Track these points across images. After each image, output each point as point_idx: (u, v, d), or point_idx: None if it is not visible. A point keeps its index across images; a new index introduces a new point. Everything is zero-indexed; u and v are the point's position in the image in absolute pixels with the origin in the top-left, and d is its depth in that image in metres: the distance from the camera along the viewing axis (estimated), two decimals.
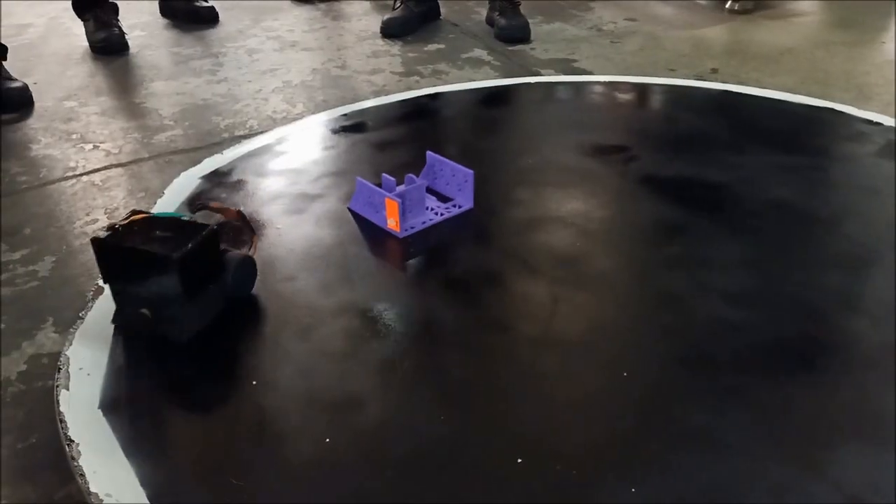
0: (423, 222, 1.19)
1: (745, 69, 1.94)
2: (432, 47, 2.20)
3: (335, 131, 1.56)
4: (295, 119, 1.71)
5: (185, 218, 0.96)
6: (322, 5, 2.58)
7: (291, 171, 1.39)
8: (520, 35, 2.20)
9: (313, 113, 1.74)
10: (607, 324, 0.97)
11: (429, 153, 1.29)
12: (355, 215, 1.22)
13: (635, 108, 1.70)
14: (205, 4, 2.43)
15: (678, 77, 1.90)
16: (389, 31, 2.27)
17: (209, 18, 2.40)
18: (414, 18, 2.31)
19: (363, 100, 1.80)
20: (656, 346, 0.92)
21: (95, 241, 0.91)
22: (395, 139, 1.52)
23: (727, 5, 2.31)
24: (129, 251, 0.89)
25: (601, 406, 0.83)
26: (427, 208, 1.23)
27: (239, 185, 1.33)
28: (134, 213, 0.96)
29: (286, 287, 1.04)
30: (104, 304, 1.00)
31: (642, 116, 1.66)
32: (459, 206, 1.24)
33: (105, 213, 1.36)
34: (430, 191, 1.28)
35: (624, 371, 0.88)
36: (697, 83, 1.75)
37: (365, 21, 2.43)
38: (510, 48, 2.17)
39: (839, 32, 2.21)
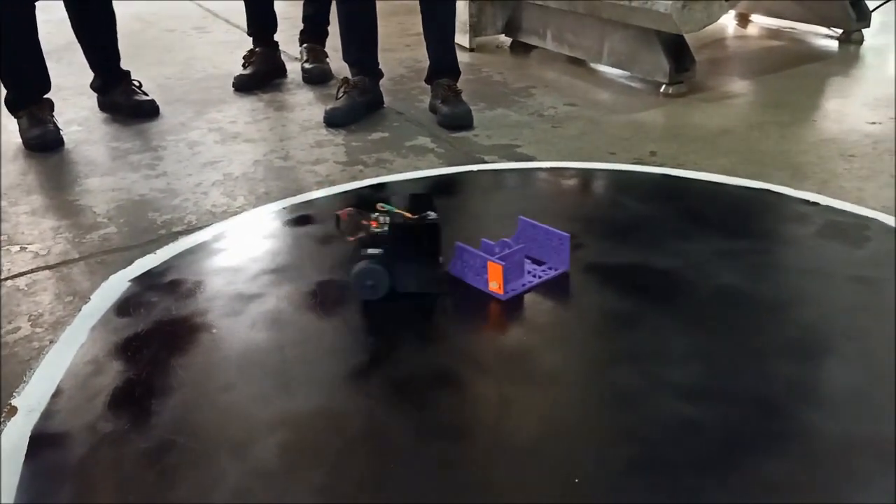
0: (524, 284, 1.23)
1: (683, 152, 1.98)
2: (376, 136, 2.20)
3: (276, 225, 1.53)
4: (235, 213, 1.67)
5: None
6: (265, 96, 2.58)
7: (229, 269, 1.34)
8: (463, 122, 2.22)
9: (254, 206, 1.70)
10: (558, 425, 0.93)
11: (521, 218, 1.33)
12: (454, 279, 1.24)
13: (578, 193, 1.71)
14: (145, 98, 2.40)
15: (619, 161, 1.92)
16: (333, 121, 2.27)
17: (149, 112, 2.37)
18: (358, 107, 2.31)
19: (306, 191, 1.77)
20: (610, 448, 0.88)
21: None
22: (338, 233, 1.48)
23: (662, 89, 2.38)
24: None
25: None
26: (527, 271, 1.27)
27: (172, 286, 1.28)
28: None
29: (222, 398, 0.98)
30: (13, 428, 0.92)
31: (585, 202, 1.66)
32: (555, 269, 1.28)
33: (29, 320, 1.28)
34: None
35: (576, 477, 0.83)
36: (637, 167, 1.78)
37: (308, 111, 2.43)
38: (454, 135, 2.19)
39: (772, 112, 2.28)
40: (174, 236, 1.57)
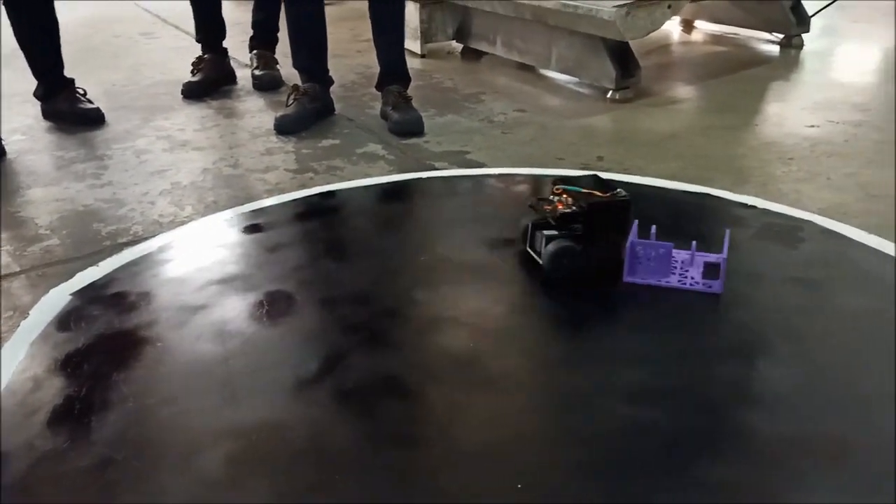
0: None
1: (629, 157, 2.01)
2: (327, 143, 2.19)
3: (224, 234, 1.52)
4: (183, 222, 1.66)
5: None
6: (214, 103, 2.56)
7: (175, 280, 1.32)
8: (413, 129, 2.23)
9: (203, 215, 1.69)
10: (508, 430, 0.94)
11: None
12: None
13: (525, 199, 1.72)
14: (90, 106, 2.36)
15: (567, 166, 1.95)
16: (283, 128, 2.26)
17: (95, 120, 2.33)
18: (308, 114, 2.31)
19: (256, 199, 1.76)
20: (557, 451, 0.90)
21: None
22: (286, 240, 1.48)
23: (609, 95, 2.42)
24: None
25: None
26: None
27: (116, 298, 1.26)
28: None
29: (164, 412, 0.97)
30: None
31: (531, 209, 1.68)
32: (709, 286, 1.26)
33: None
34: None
35: (518, 483, 0.84)
36: (584, 173, 1.80)
37: (258, 118, 2.41)
38: (404, 142, 2.19)
39: (716, 117, 2.34)
40: (119, 247, 1.55)
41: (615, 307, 1.23)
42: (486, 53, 2.96)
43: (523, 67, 2.83)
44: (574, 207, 1.28)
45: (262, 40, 2.73)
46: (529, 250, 1.32)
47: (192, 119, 2.42)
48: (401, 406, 0.98)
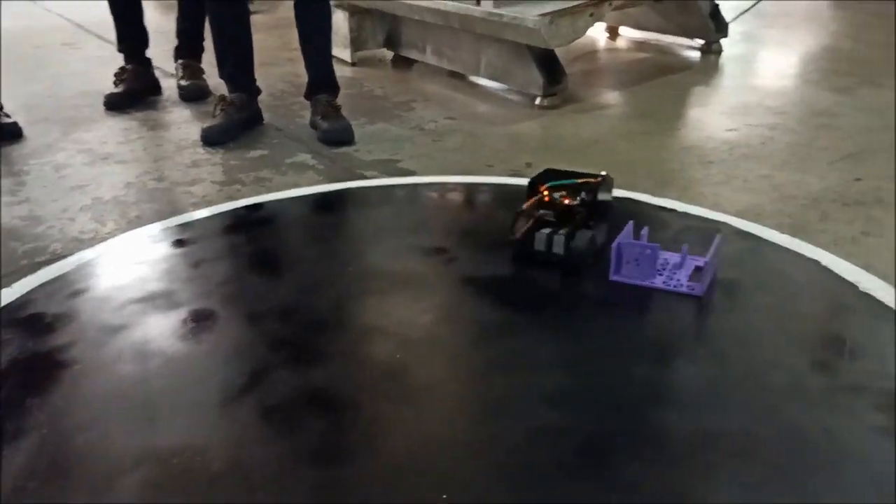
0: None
1: (556, 162, 2.03)
2: (255, 153, 2.17)
3: (147, 250, 1.48)
4: (104, 239, 1.61)
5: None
6: (139, 114, 2.50)
7: (94, 299, 1.29)
8: (343, 137, 2.23)
9: (125, 231, 1.65)
10: (434, 441, 0.95)
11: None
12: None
13: (454, 208, 1.74)
14: (7, 120, 2.28)
15: (496, 173, 1.97)
16: (210, 139, 2.22)
17: (12, 134, 2.25)
18: (235, 124, 2.28)
19: (181, 213, 1.73)
20: (478, 459, 0.91)
21: None
22: (212, 255, 1.46)
23: (537, 101, 2.46)
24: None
25: None
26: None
27: (31, 321, 1.22)
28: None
29: (81, 438, 0.94)
30: None
31: (460, 216, 1.70)
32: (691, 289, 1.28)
33: None
34: None
35: (444, 494, 0.85)
36: (512, 180, 1.83)
37: (185, 129, 2.37)
38: (334, 151, 2.18)
39: (640, 122, 2.40)
40: (36, 267, 1.50)
41: (563, 309, 1.25)
42: (416, 61, 2.98)
43: (454, 75, 2.85)
44: (579, 199, 1.38)
45: (188, 50, 2.69)
46: (538, 251, 1.36)
47: (114, 131, 2.36)
48: (326, 421, 0.98)
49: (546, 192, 1.41)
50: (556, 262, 1.34)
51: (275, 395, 1.02)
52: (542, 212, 1.39)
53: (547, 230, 1.36)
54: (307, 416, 0.98)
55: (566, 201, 1.39)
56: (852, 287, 1.29)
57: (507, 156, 2.12)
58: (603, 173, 1.44)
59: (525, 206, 1.40)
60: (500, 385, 1.06)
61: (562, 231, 1.35)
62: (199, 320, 1.20)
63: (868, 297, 1.26)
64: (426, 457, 0.92)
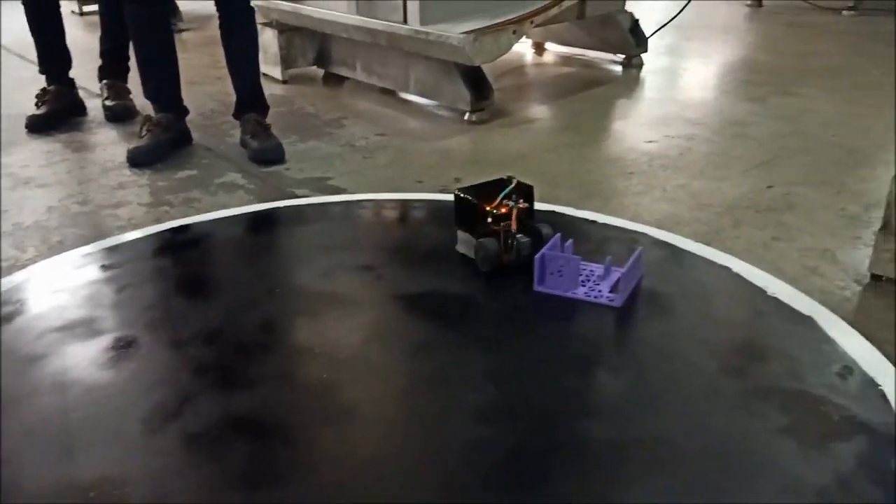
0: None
1: (484, 177, 2.08)
2: (184, 174, 2.15)
3: (69, 277, 1.46)
4: (24, 266, 1.58)
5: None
6: (62, 136, 2.45)
7: (11, 329, 1.26)
8: (273, 156, 2.22)
9: (46, 257, 1.62)
10: (358, 460, 0.96)
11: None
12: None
13: (383, 225, 1.76)
14: None
15: (426, 189, 2.00)
16: (136, 160, 2.19)
17: None
18: (163, 145, 2.25)
19: (106, 237, 1.70)
20: (408, 477, 0.93)
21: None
22: (136, 280, 1.44)
23: (466, 116, 2.51)
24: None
25: None
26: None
27: None
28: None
29: None
30: None
31: (390, 233, 1.72)
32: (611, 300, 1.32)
33: None
34: None
35: None
36: (439, 196, 1.86)
37: (110, 151, 2.33)
38: (265, 170, 2.18)
39: (565, 135, 2.47)
40: None
41: (489, 322, 1.28)
42: (347, 78, 2.99)
43: (385, 91, 2.88)
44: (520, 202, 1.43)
45: (113, 69, 2.65)
46: (507, 258, 1.40)
47: (36, 154, 2.31)
48: (251, 446, 0.98)
49: (505, 207, 1.42)
50: (516, 265, 1.40)
51: (198, 422, 1.02)
52: (503, 223, 1.42)
53: (520, 237, 1.40)
54: (231, 442, 0.99)
55: (519, 207, 1.42)
56: (761, 292, 1.36)
57: (436, 171, 2.15)
58: (509, 175, 1.48)
59: (502, 226, 1.42)
60: (428, 402, 1.08)
61: (520, 235, 1.40)
62: (122, 348, 1.19)
63: (775, 301, 1.33)
64: (355, 477, 0.93)
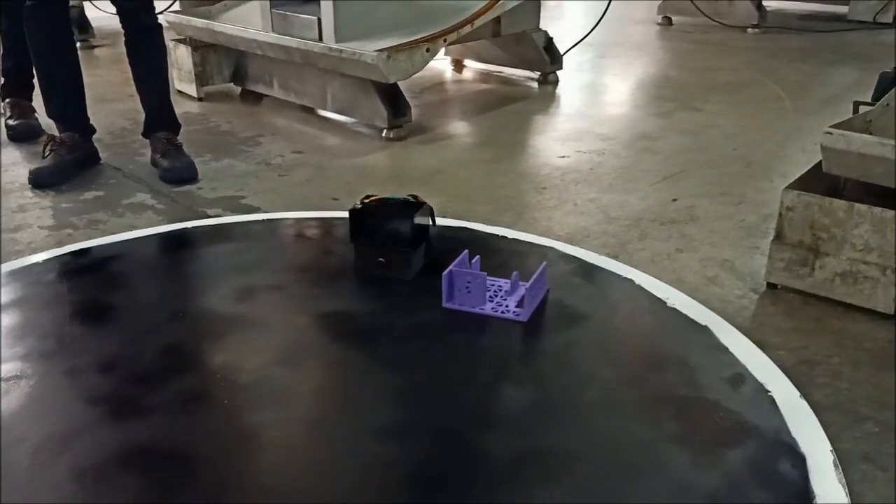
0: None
1: (400, 193, 2.10)
2: (89, 195, 2.09)
3: None
4: None
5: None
6: None
7: None
8: (185, 175, 2.18)
9: None
10: (262, 484, 0.95)
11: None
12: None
13: (294, 244, 1.75)
14: None
15: (341, 207, 1.99)
16: (39, 181, 2.12)
17: None
18: (67, 165, 2.18)
19: (2, 262, 1.63)
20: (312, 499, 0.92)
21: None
22: (28, 307, 1.39)
23: (384, 133, 2.52)
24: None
25: None
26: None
27: None
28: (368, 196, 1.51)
29: None
30: None
31: (300, 252, 1.71)
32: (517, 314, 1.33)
33: None
34: None
35: None
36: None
37: (12, 172, 2.25)
38: (176, 190, 2.14)
39: (480, 151, 2.50)
40: None
41: (397, 339, 1.27)
42: (265, 95, 2.96)
43: (304, 109, 2.86)
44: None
45: (16, 87, 2.56)
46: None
47: None
48: (147, 479, 0.96)
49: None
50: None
51: (90, 455, 0.99)
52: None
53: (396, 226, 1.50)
54: (125, 474, 0.96)
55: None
56: (662, 303, 1.40)
57: (353, 188, 2.14)
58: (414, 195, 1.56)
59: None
60: (332, 423, 1.07)
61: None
62: (8, 381, 1.14)
63: (675, 312, 1.37)
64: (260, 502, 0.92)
